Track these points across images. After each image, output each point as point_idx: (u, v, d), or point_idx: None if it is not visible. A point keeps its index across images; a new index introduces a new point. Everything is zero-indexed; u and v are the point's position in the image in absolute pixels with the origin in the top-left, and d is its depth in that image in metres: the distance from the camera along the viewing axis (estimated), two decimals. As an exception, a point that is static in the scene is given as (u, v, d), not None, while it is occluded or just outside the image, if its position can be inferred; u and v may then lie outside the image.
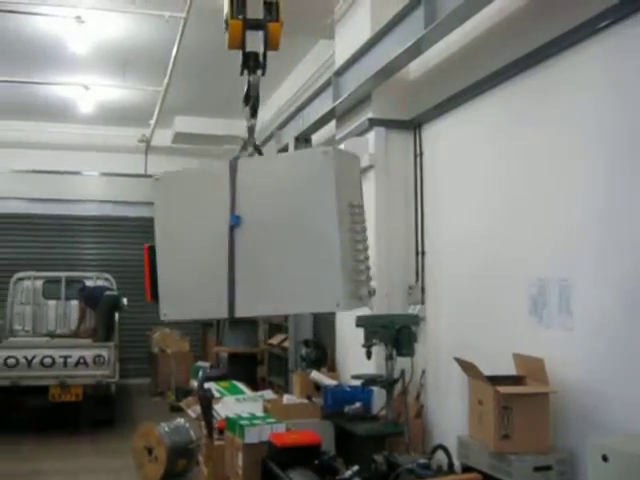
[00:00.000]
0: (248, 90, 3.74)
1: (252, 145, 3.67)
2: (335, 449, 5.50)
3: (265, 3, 3.59)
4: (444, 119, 6.02)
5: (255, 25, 3.58)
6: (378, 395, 6.03)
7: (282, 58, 9.54)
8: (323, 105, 7.37)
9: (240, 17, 3.54)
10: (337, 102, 6.84)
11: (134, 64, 10.19)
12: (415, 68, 6.39)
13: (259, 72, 3.72)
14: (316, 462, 4.35)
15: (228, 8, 3.56)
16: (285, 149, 8.74)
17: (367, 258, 3.41)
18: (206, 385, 7.18)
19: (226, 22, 3.62)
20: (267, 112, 11.74)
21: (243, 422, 4.79)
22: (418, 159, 6.44)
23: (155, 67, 9.82)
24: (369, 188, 6.60)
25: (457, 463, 4.59)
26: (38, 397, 8.54)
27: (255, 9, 3.59)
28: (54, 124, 13.01)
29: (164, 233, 3.52)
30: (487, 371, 4.47)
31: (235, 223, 3.28)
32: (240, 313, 3.28)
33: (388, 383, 5.57)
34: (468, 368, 4.60)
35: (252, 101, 3.72)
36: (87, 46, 9.42)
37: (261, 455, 4.55)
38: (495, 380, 4.38)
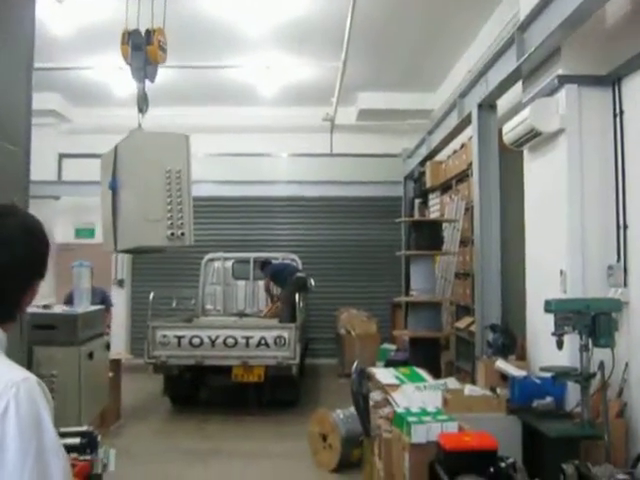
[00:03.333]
0: (138, 96, 5.29)
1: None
2: (522, 450, 4.89)
3: (147, 31, 5.10)
4: (651, 68, 5.10)
5: (138, 47, 5.11)
6: (573, 390, 5.30)
7: (463, 22, 9.12)
8: (507, 66, 6.63)
9: (128, 43, 5.13)
10: (522, 59, 6.09)
11: (310, 41, 10.01)
12: (613, 10, 5.48)
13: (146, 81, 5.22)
14: (491, 470, 3.78)
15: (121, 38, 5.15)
16: (468, 119, 8.09)
17: (180, 210, 4.66)
18: (380, 373, 6.87)
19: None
20: (452, 80, 11.10)
21: (411, 418, 4.32)
22: (618, 119, 5.54)
23: (332, 42, 9.55)
24: (559, 154, 5.85)
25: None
26: (222, 377, 8.70)
27: (139, 36, 5.13)
28: (241, 107, 13.28)
29: (102, 194, 5.14)
30: None
31: (112, 187, 4.88)
32: (118, 248, 5.03)
33: (583, 378, 4.84)
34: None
35: (140, 102, 5.29)
36: (263, 27, 9.40)
37: (429, 457, 4.06)
38: None
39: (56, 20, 8.94)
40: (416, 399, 6.19)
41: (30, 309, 5.70)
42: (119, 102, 12.70)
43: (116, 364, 8.42)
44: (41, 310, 5.25)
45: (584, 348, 4.82)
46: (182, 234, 4.64)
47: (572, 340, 5.04)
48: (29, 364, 4.99)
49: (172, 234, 4.61)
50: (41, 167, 13.33)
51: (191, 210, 4.79)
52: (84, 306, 5.53)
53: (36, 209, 9.07)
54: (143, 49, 5.03)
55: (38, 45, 9.75)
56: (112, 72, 11.18)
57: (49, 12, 8.64)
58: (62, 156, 14.07)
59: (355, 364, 4.99)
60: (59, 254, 13.65)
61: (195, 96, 12.45)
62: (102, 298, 9.16)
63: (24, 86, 3.95)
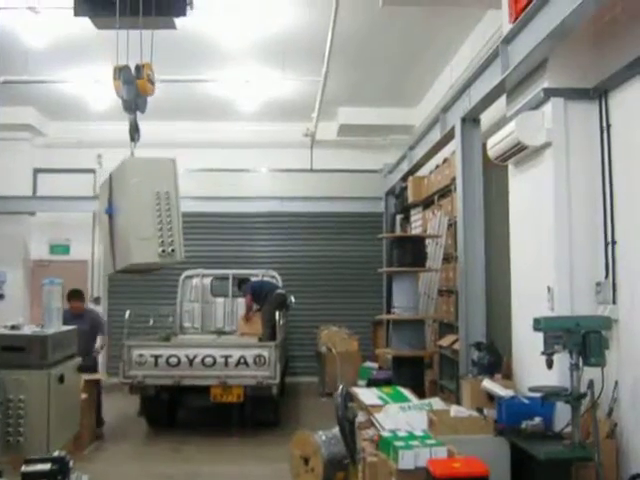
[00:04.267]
0: (130, 126, 5.60)
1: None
2: (510, 473, 4.73)
3: (136, 66, 5.38)
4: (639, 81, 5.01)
5: (129, 82, 5.41)
6: (562, 410, 5.16)
7: (445, 38, 9.05)
8: (491, 79, 6.53)
9: (119, 78, 5.44)
10: (507, 72, 5.99)
11: (291, 55, 9.90)
12: (599, 22, 5.40)
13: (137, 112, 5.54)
14: (483, 497, 3.63)
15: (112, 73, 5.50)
16: (451, 134, 7.99)
17: (170, 229, 5.01)
18: (363, 394, 6.69)
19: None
20: (433, 96, 11.03)
21: (398, 443, 4.15)
22: (605, 132, 5.45)
23: (313, 57, 9.45)
24: (546, 168, 5.75)
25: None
26: (200, 397, 8.49)
27: (129, 71, 5.47)
28: (220, 122, 13.17)
29: (100, 222, 5.72)
30: None
31: (108, 212, 5.29)
32: (116, 269, 5.31)
33: (574, 398, 4.70)
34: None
35: (132, 131, 5.59)
36: (244, 41, 9.29)
37: (417, 484, 3.90)
38: None
39: (31, 32, 8.74)
40: (400, 420, 6.02)
41: (-3, 329, 5.45)
42: (95, 116, 12.52)
43: (92, 384, 8.17)
44: (8, 331, 5.02)
45: (574, 367, 4.69)
46: (173, 250, 5.00)
47: (561, 359, 4.92)
48: (-5, 389, 4.80)
49: (163, 251, 4.96)
50: (16, 182, 13.13)
51: (180, 228, 5.13)
52: (55, 326, 5.30)
53: (11, 225, 8.94)
54: (134, 83, 5.36)
55: (13, 57, 9.65)
56: (88, 85, 10.99)
57: (24, 23, 8.45)
58: (37, 171, 13.80)
59: (340, 388, 4.79)
60: (34, 270, 13.40)
61: (174, 111, 12.25)
62: (94, 322, 8.89)
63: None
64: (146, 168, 5.22)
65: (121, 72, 5.42)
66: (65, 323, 8.16)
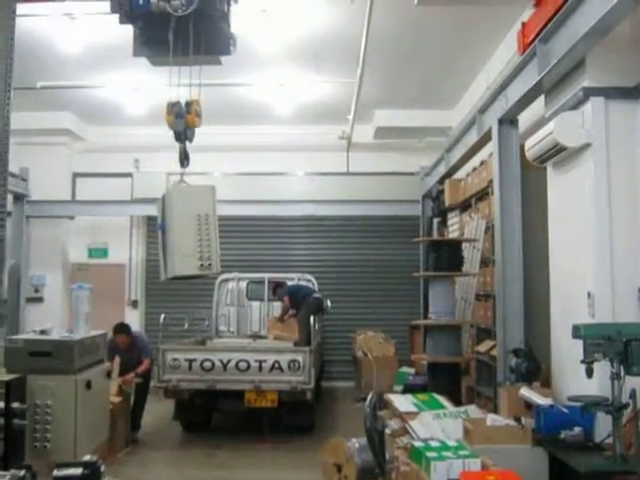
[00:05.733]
0: (180, 154, 6.24)
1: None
2: (549, 485, 4.58)
3: (186, 102, 6.11)
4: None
5: (180, 116, 6.06)
6: (602, 420, 4.98)
7: (481, 38, 8.88)
8: (528, 79, 6.37)
9: (172, 113, 6.06)
10: (544, 72, 5.83)
11: (325, 58, 9.81)
12: (638, 19, 5.22)
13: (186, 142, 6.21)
14: (518, 513, 3.49)
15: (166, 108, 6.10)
16: (488, 136, 7.84)
17: (208, 246, 5.88)
18: (398, 400, 6.57)
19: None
20: (470, 97, 10.86)
21: (430, 454, 4.03)
22: (647, 132, 5.28)
23: (348, 59, 9.35)
24: (585, 170, 5.58)
25: None
26: (234, 402, 8.41)
27: (180, 106, 6.10)
28: (256, 126, 13.09)
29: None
30: None
31: (161, 228, 6.05)
32: (167, 276, 5.99)
33: (615, 408, 4.53)
34: None
35: (181, 158, 6.24)
36: (278, 44, 9.23)
37: (450, 497, 3.77)
38: None
39: (68, 38, 8.81)
40: (435, 427, 5.91)
41: (26, 334, 5.45)
42: (132, 121, 12.60)
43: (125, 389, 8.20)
44: (37, 336, 5.04)
45: (616, 376, 4.53)
46: (210, 265, 5.92)
47: (601, 367, 4.75)
48: (22, 394, 4.80)
49: (202, 265, 5.89)
50: (55, 187, 13.28)
51: (217, 244, 6.01)
52: (83, 331, 5.33)
53: (50, 228, 9.14)
54: (183, 117, 6.06)
55: (49, 63, 9.75)
56: (124, 91, 11.07)
57: (60, 29, 8.53)
58: (76, 175, 13.94)
59: (370, 396, 4.67)
60: (73, 274, 13.54)
61: (209, 115, 12.18)
62: (139, 348, 8.83)
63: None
64: (190, 194, 6.20)
65: (173, 107, 6.10)
66: (111, 354, 8.35)
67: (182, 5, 5.18)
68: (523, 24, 6.57)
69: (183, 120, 6.09)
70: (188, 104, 6.16)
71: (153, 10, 5.21)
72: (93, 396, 5.94)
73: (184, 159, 6.32)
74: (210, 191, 6.23)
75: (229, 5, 5.85)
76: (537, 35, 5.88)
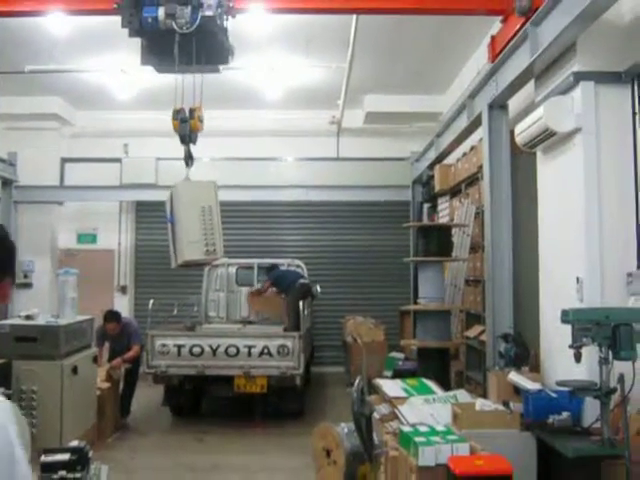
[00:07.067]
0: (185, 155, 6.94)
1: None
2: (536, 470, 4.59)
3: (190, 109, 6.76)
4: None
5: (184, 121, 6.72)
6: (590, 405, 5.00)
7: (473, 23, 8.81)
8: (519, 63, 6.34)
9: (177, 119, 6.75)
10: (535, 55, 5.80)
11: (316, 42, 9.74)
12: (631, 2, 5.19)
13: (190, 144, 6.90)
14: (506, 496, 3.50)
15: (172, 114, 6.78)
16: (478, 121, 7.82)
17: (212, 233, 6.71)
18: (387, 385, 6.57)
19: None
20: (460, 82, 10.82)
21: (418, 439, 4.03)
22: (637, 118, 5.26)
23: (338, 43, 9.29)
24: (575, 155, 5.56)
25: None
26: (223, 387, 8.43)
27: (184, 113, 6.71)
28: (245, 110, 13.01)
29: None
30: None
31: (170, 221, 6.77)
32: (177, 263, 6.71)
33: (603, 393, 4.54)
34: None
35: (186, 159, 6.94)
36: (268, 27, 9.15)
37: (438, 481, 3.78)
38: None
39: (55, 20, 8.69)
40: (424, 412, 5.90)
41: (12, 320, 5.39)
42: (121, 105, 12.49)
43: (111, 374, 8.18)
44: (23, 321, 4.99)
45: (604, 361, 4.53)
46: (214, 250, 6.73)
47: (590, 352, 4.76)
48: (8, 379, 4.75)
49: (207, 250, 6.67)
50: (44, 172, 13.16)
51: (220, 232, 6.82)
52: (69, 317, 5.28)
53: (39, 214, 9.15)
54: (187, 122, 6.71)
55: (38, 46, 9.63)
56: (114, 75, 10.96)
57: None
58: (65, 160, 13.82)
59: (357, 380, 4.65)
60: (61, 260, 13.46)
61: (198, 99, 12.17)
62: (129, 334, 8.83)
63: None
64: (194, 189, 6.98)
65: (178, 113, 6.75)
66: (101, 341, 8.39)
67: (187, 23, 5.83)
68: (492, 37, 6.74)
69: (187, 124, 6.73)
70: (192, 110, 6.81)
71: (161, 28, 5.86)
72: (79, 381, 5.91)
73: (189, 159, 6.98)
74: (212, 186, 7.04)
75: (227, 20, 6.47)
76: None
